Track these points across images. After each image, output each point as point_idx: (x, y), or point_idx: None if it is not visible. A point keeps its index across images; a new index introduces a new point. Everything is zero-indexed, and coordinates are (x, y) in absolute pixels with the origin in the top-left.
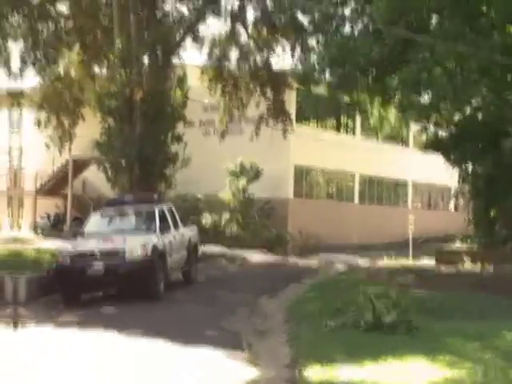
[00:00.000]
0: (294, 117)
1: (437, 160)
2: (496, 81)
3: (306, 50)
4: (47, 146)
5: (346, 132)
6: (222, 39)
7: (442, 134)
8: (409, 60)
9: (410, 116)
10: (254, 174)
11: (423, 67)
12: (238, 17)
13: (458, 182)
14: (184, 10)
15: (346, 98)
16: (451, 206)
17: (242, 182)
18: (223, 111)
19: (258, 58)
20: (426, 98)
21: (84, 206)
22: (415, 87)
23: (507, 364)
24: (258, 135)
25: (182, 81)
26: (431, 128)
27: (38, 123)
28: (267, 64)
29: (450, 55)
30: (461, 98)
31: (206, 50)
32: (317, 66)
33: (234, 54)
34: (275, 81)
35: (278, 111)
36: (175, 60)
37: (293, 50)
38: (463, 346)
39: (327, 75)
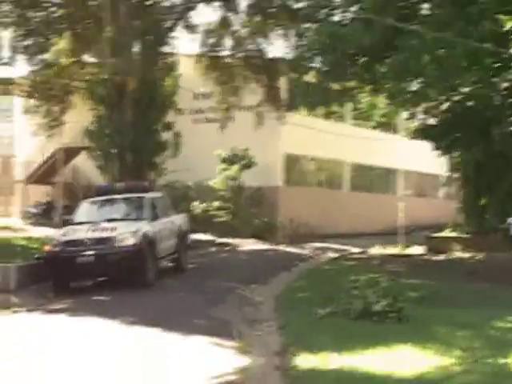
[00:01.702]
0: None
1: (427, 148)
2: (485, 68)
3: (299, 36)
4: (35, 133)
5: (337, 120)
6: (214, 27)
7: (432, 121)
8: (398, 47)
9: (399, 103)
10: (247, 163)
11: (412, 54)
12: (229, 4)
13: (448, 170)
14: None
15: (336, 86)
16: (441, 194)
17: (234, 169)
18: (219, 99)
19: (252, 46)
20: (414, 86)
21: (74, 194)
22: (404, 74)
23: (497, 352)
24: (261, 124)
25: (172, 69)
26: (420, 116)
27: (27, 111)
28: (261, 51)
29: (439, 43)
30: (449, 86)
31: (198, 38)
32: (307, 54)
33: (227, 42)
34: (269, 68)
35: (272, 98)
36: (166, 48)
37: (286, 36)
38: (453, 335)
39: (318, 62)
